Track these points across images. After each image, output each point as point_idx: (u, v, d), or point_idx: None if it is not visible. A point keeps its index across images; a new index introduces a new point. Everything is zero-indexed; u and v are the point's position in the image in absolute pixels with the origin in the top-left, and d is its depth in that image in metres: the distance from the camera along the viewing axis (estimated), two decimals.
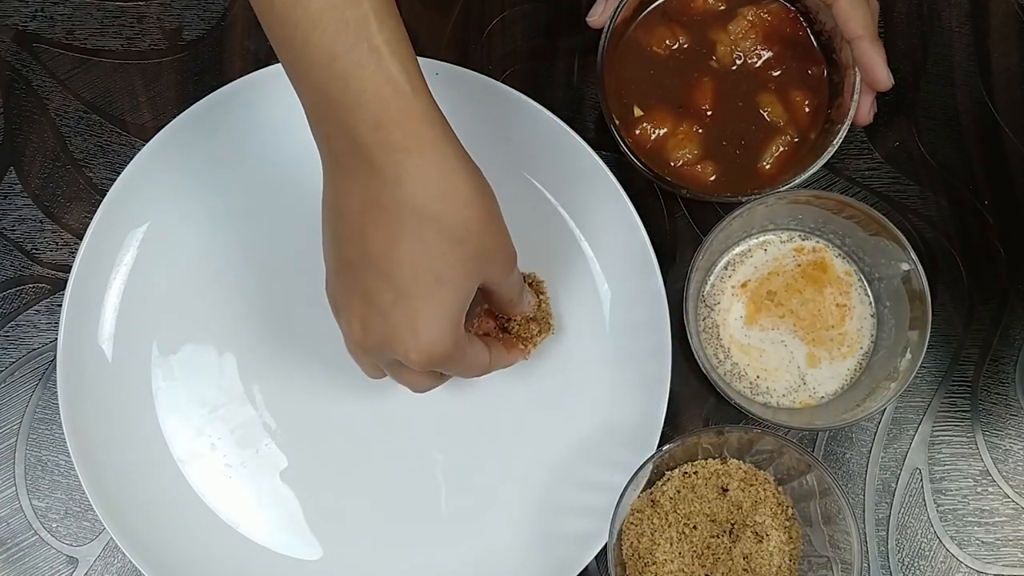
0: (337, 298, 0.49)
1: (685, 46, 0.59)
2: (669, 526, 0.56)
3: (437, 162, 0.44)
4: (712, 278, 0.60)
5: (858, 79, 0.55)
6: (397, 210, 0.44)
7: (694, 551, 0.56)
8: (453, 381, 0.61)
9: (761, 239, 0.60)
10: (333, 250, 0.48)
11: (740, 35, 0.59)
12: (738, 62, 0.59)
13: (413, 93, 0.44)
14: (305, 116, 0.47)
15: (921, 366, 0.54)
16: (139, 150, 0.61)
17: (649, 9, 0.60)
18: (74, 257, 0.60)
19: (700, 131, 0.58)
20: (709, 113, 0.59)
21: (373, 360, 0.51)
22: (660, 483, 0.58)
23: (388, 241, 0.45)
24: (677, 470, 0.58)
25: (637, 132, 0.58)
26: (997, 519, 0.61)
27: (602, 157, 0.60)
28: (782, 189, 0.57)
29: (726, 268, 0.60)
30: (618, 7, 0.57)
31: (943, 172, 0.63)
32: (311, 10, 0.43)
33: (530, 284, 0.60)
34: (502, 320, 0.57)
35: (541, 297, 0.60)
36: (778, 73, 0.59)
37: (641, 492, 0.57)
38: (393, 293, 0.46)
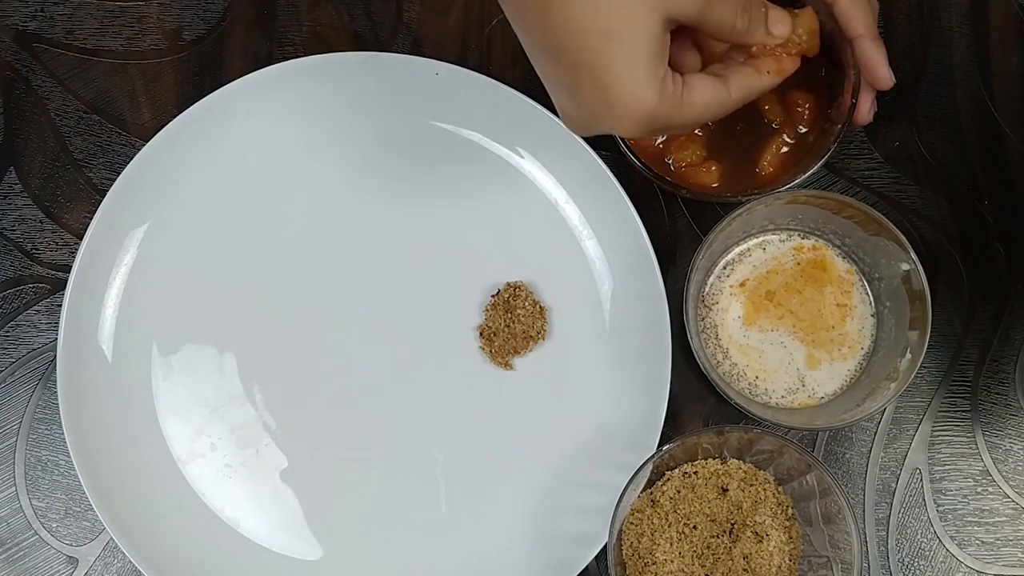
0: (553, 95, 0.47)
1: None
2: (669, 526, 0.56)
3: None
4: (712, 278, 0.60)
5: (858, 79, 0.55)
6: None
7: (694, 551, 0.56)
8: (453, 382, 0.61)
9: (760, 239, 0.60)
10: (532, 53, 0.46)
11: None
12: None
13: None
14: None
15: (921, 366, 0.54)
16: (139, 150, 0.61)
17: None
18: (74, 257, 0.60)
19: (700, 133, 0.58)
20: None
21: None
22: (660, 483, 0.58)
23: (546, 18, 0.42)
24: (677, 470, 0.58)
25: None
26: (997, 519, 0.61)
27: (602, 157, 0.60)
28: (782, 189, 0.57)
29: (725, 268, 0.60)
30: None
31: (943, 172, 0.63)
32: None
33: (516, 295, 0.60)
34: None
35: (532, 307, 0.60)
36: None
37: (641, 492, 0.57)
38: (572, 71, 0.43)
